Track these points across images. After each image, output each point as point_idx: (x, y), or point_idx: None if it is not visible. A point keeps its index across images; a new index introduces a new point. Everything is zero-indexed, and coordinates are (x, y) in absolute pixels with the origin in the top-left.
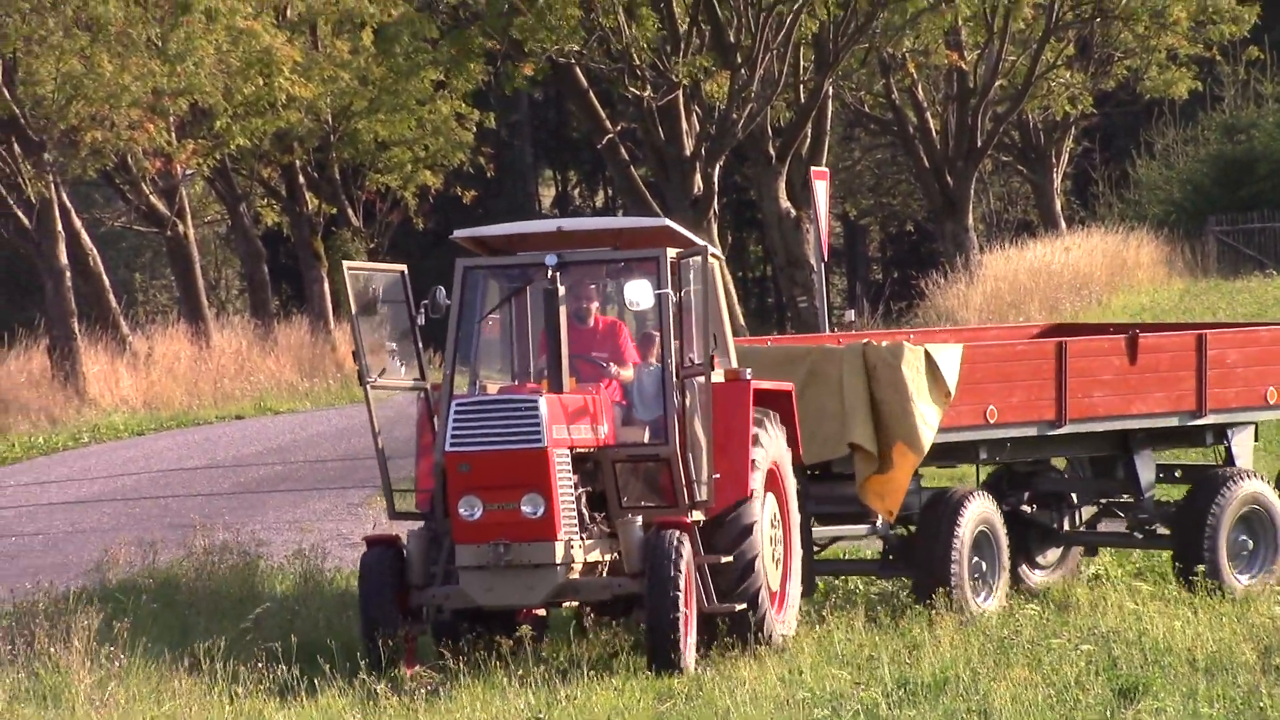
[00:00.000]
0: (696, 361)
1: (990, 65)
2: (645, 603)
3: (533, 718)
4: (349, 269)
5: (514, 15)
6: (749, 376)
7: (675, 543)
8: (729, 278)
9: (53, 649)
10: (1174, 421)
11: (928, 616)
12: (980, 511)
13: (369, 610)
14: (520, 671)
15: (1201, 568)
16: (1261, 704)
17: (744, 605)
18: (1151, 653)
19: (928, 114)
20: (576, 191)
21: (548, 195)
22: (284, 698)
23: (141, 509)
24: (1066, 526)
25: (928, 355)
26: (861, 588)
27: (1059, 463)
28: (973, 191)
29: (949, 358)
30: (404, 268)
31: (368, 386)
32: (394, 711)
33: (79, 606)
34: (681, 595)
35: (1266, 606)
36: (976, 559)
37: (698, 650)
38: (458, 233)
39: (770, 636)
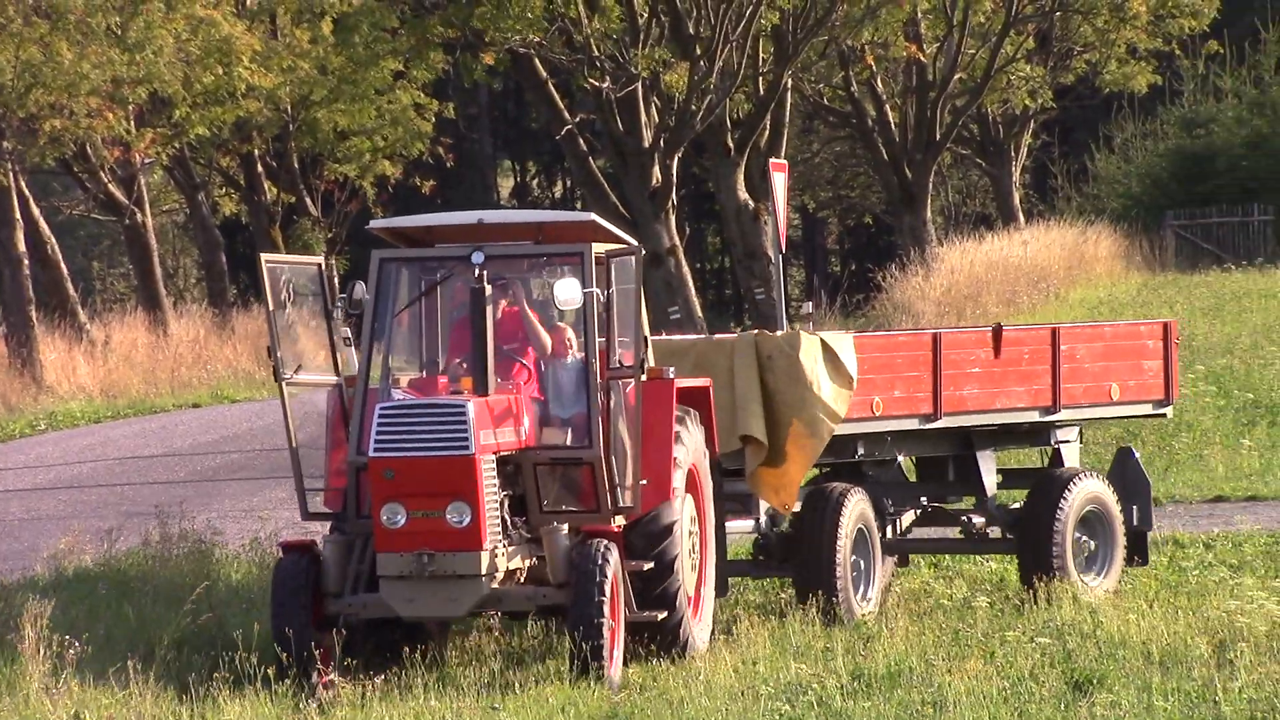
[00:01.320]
0: (626, 364)
1: (949, 58)
2: (570, 614)
3: (489, 708)
4: (266, 262)
5: (475, 5)
6: (672, 375)
7: (603, 553)
8: (686, 270)
9: (7, 637)
10: (1034, 417)
11: (884, 609)
12: (860, 508)
13: (281, 618)
14: (472, 665)
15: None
16: (1216, 698)
17: (664, 613)
18: (1106, 646)
19: (886, 107)
20: (535, 182)
21: (506, 186)
22: (239, 687)
23: (98, 496)
24: (889, 533)
25: (824, 344)
26: None
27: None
28: (931, 184)
29: (845, 346)
30: (321, 260)
31: (283, 383)
32: (350, 701)
33: (34, 594)
34: (608, 607)
35: (1221, 600)
36: (855, 557)
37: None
38: (374, 223)
39: (687, 643)
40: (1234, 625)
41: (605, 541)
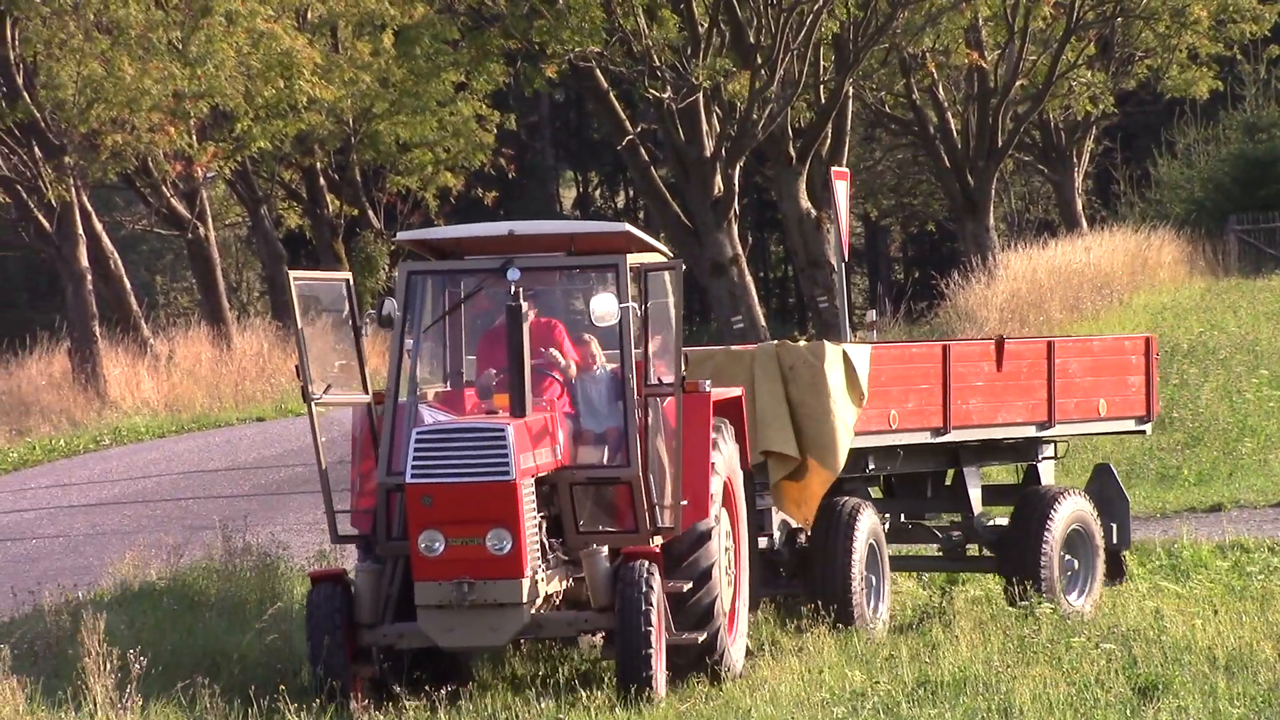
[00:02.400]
0: (665, 380)
1: (1011, 65)
2: (617, 639)
3: (555, 718)
4: (293, 278)
5: (534, 17)
6: (708, 387)
7: (646, 575)
8: (749, 279)
9: (72, 651)
10: (1031, 431)
11: (948, 616)
12: (871, 523)
13: (319, 653)
14: (541, 674)
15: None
16: None
17: (703, 634)
18: (1172, 651)
19: (948, 114)
20: (597, 193)
21: (568, 196)
22: (303, 702)
23: (162, 511)
24: None
25: (845, 356)
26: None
27: None
28: (994, 191)
29: (862, 358)
30: (349, 276)
31: (312, 403)
32: (415, 714)
33: (99, 609)
34: (655, 630)
35: None
36: (867, 573)
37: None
38: (401, 235)
39: (723, 660)
40: None
41: (648, 563)
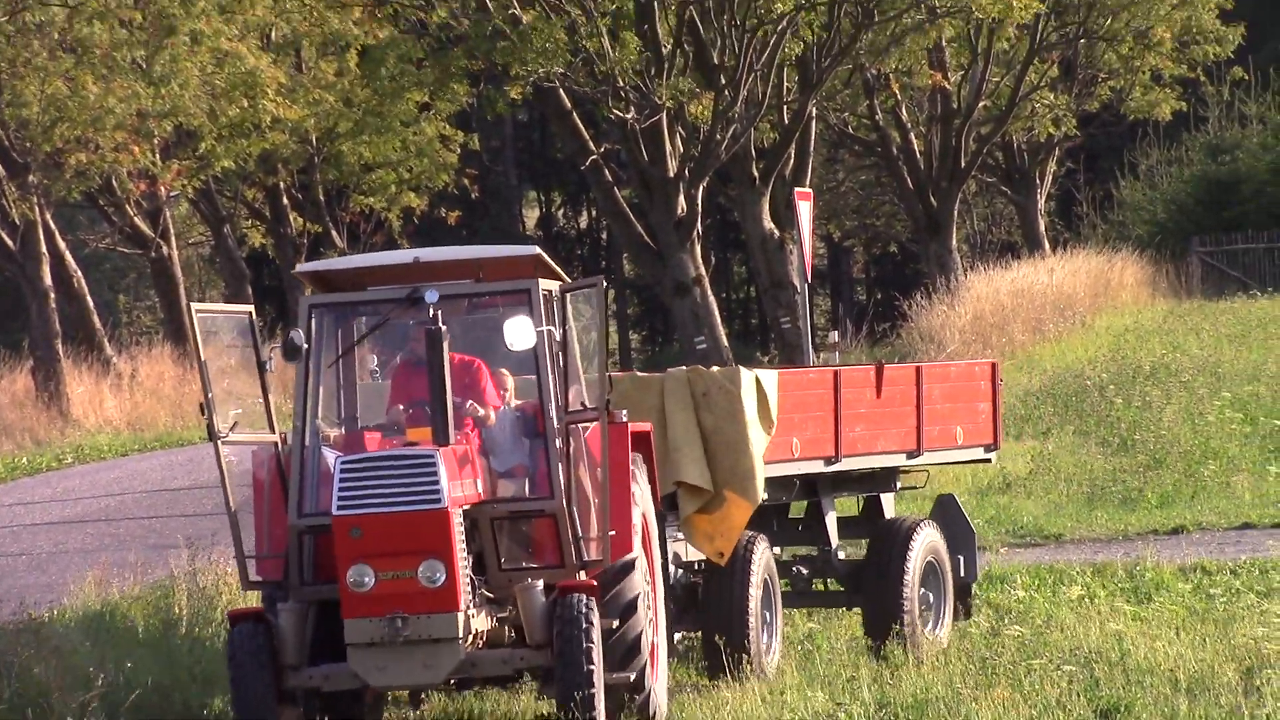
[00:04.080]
0: (589, 405)
1: (974, 86)
2: (557, 674)
3: None
4: (196, 311)
5: (498, 39)
6: (625, 418)
7: (585, 610)
8: (712, 300)
9: (36, 670)
10: (902, 460)
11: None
12: (766, 557)
13: (245, 698)
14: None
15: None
16: None
17: (633, 675)
18: (1134, 673)
19: (911, 135)
20: (561, 213)
21: (532, 216)
22: None
23: (126, 530)
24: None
25: (758, 381)
26: (843, 612)
27: None
28: (956, 213)
29: (771, 384)
30: (251, 309)
31: (218, 441)
32: None
33: (63, 628)
34: (597, 666)
35: (1249, 627)
36: (762, 609)
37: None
38: (300, 267)
39: (649, 699)
40: (1261, 652)
41: (586, 596)
